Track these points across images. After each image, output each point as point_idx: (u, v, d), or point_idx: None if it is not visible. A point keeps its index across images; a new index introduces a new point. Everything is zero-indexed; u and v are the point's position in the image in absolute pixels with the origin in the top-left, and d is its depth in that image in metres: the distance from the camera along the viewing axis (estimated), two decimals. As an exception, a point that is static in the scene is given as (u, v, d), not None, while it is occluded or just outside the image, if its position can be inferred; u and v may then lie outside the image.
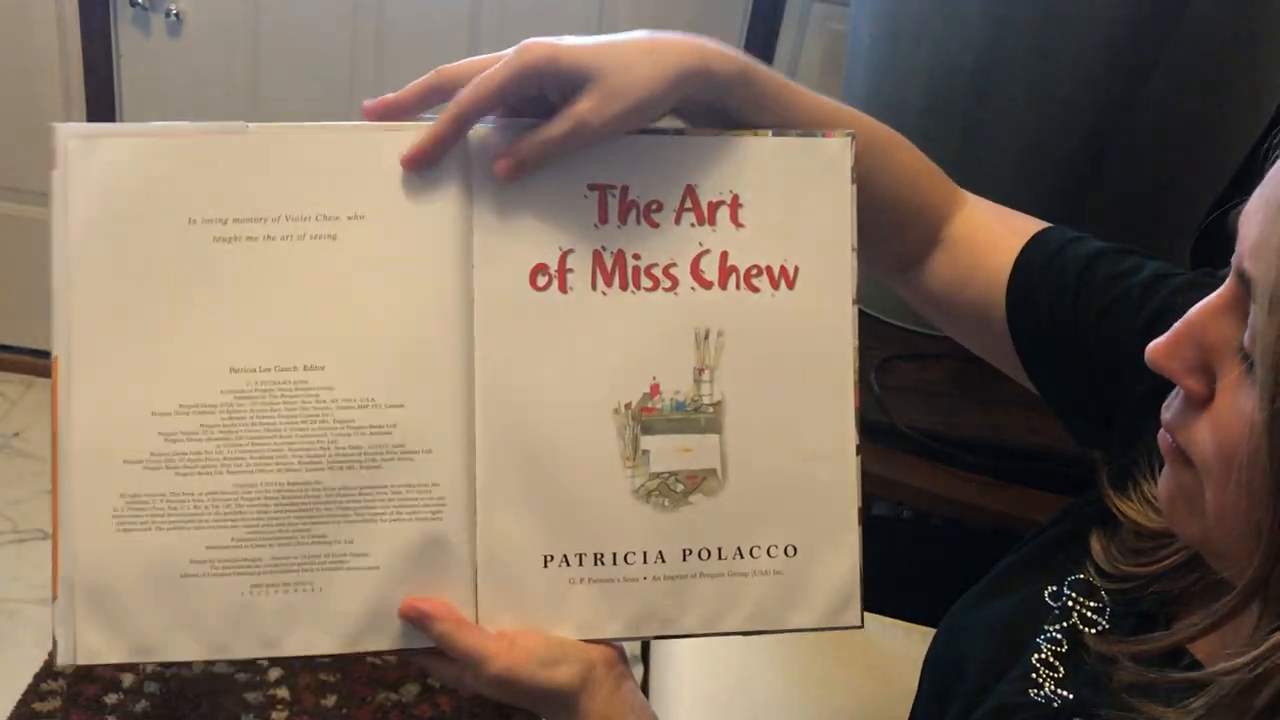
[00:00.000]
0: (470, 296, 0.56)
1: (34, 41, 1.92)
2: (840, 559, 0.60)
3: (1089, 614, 0.58)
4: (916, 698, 0.71)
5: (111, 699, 1.57)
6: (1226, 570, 0.46)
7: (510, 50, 0.54)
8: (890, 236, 0.68)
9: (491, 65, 0.54)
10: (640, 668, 1.49)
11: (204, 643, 0.56)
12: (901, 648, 1.13)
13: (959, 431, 1.25)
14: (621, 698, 0.57)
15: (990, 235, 0.69)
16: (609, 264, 0.57)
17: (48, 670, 1.59)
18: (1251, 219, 0.44)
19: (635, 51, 0.55)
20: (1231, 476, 0.43)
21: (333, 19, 1.88)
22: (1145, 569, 0.55)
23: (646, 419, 0.57)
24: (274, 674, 1.64)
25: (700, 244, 0.57)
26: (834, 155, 0.58)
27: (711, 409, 0.58)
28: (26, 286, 2.11)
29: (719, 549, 0.58)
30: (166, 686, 1.60)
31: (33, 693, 1.56)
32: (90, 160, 0.54)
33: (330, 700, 1.60)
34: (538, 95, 0.55)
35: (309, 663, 1.64)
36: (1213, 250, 1.02)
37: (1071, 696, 0.55)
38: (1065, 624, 0.58)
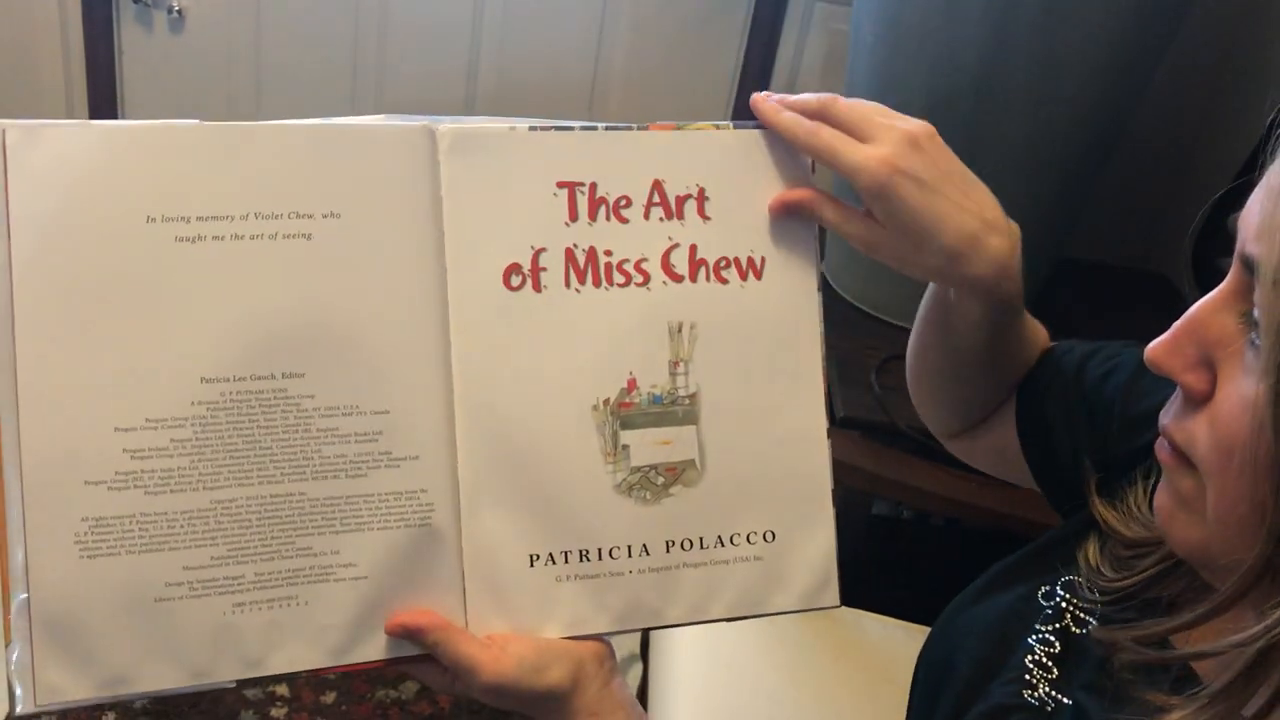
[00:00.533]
0: (445, 298, 0.55)
1: (36, 38, 1.92)
2: (817, 541, 0.61)
3: (1081, 615, 0.58)
4: (910, 696, 0.71)
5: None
6: (1219, 578, 0.46)
7: (899, 130, 0.57)
8: (989, 403, 0.73)
9: (868, 128, 0.57)
10: (640, 665, 1.49)
11: (182, 669, 0.53)
12: (901, 647, 1.13)
13: (959, 431, 1.25)
14: (610, 693, 0.58)
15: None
16: (581, 261, 0.57)
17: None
18: (1253, 208, 0.44)
19: (972, 250, 0.58)
20: (1232, 462, 0.43)
21: (335, 15, 1.88)
22: (1125, 581, 0.56)
23: (625, 414, 0.58)
24: (274, 671, 1.64)
25: (670, 238, 0.58)
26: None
27: (688, 400, 0.58)
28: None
29: (700, 538, 0.59)
30: (166, 683, 1.60)
31: (33, 688, 1.55)
32: (33, 154, 0.50)
33: (330, 697, 1.60)
34: None
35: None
36: (1213, 251, 1.02)
37: (1068, 701, 0.55)
38: (1058, 625, 0.58)
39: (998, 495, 1.20)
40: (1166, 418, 0.48)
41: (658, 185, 0.58)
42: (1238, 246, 0.45)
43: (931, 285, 0.66)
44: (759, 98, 0.60)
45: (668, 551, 0.59)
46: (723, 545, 0.60)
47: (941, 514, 1.54)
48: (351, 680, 1.64)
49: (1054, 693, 0.56)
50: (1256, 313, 0.43)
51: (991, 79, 1.24)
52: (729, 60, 1.90)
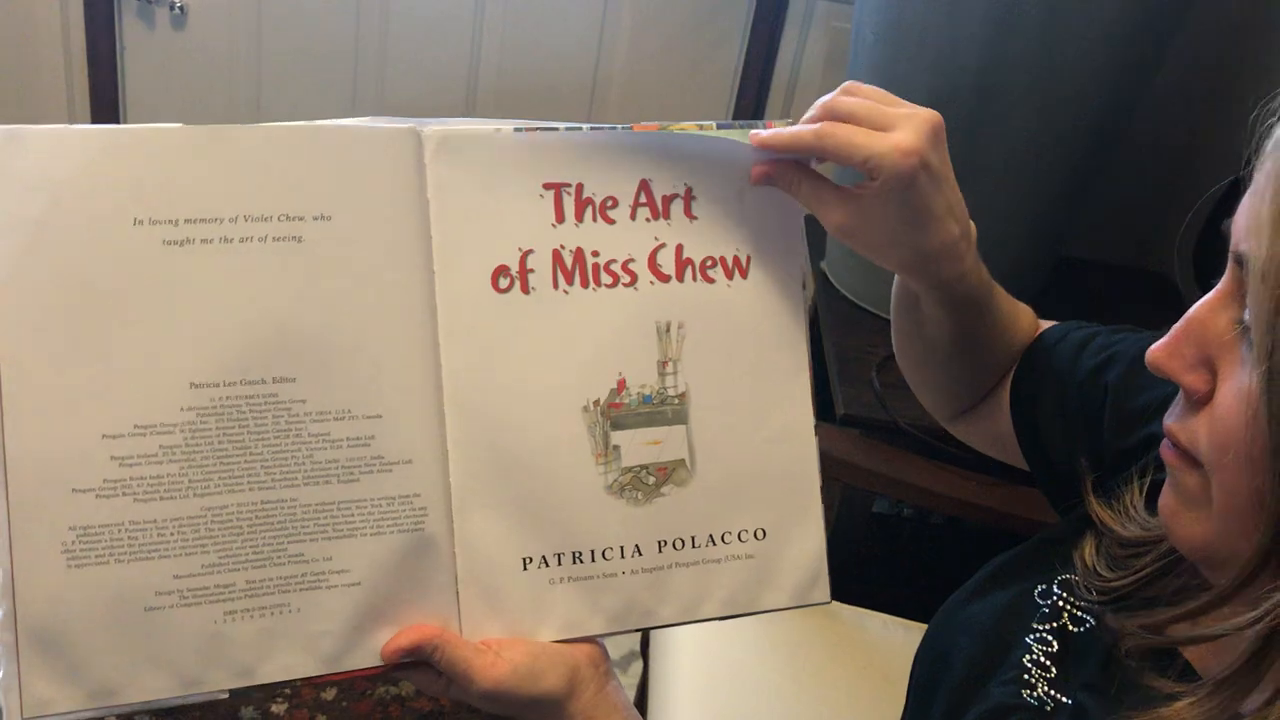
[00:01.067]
0: (433, 301, 0.55)
1: (37, 35, 1.92)
2: (807, 538, 0.61)
3: (1079, 614, 0.58)
4: (907, 693, 0.71)
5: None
6: (1222, 574, 0.47)
7: (905, 119, 0.55)
8: (977, 387, 0.73)
9: (878, 119, 0.55)
10: (640, 664, 1.49)
11: (173, 679, 0.52)
12: (901, 644, 1.13)
13: (959, 430, 1.25)
14: (606, 697, 0.58)
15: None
16: (569, 262, 0.57)
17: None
18: (1243, 208, 0.45)
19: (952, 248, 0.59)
20: (1229, 455, 0.43)
21: (337, 12, 1.88)
22: (1122, 580, 0.56)
23: (615, 414, 0.58)
24: (274, 667, 1.65)
25: (656, 238, 0.58)
26: None
27: (677, 400, 0.59)
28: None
29: (692, 538, 0.59)
30: (167, 679, 1.61)
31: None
32: (16, 158, 0.49)
33: (330, 694, 1.61)
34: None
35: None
36: (1213, 252, 1.03)
37: (1067, 700, 0.55)
38: (1055, 624, 0.58)
39: (998, 494, 1.20)
40: (1170, 419, 0.49)
41: (644, 185, 0.58)
42: (1231, 246, 0.45)
43: (898, 276, 0.66)
44: (756, 136, 0.58)
45: (660, 551, 0.59)
46: (714, 544, 0.60)
47: (941, 512, 1.55)
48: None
49: (1053, 692, 0.56)
50: (1246, 313, 0.43)
51: (992, 78, 1.24)
52: (730, 59, 1.90)
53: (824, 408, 1.09)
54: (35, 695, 0.50)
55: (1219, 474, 0.45)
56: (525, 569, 0.57)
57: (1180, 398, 0.48)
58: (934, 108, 0.56)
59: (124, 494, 0.50)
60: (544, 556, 0.57)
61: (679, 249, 0.59)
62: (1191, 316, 0.47)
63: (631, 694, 1.43)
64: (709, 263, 0.59)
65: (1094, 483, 0.61)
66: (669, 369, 0.59)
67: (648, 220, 0.58)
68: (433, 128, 0.55)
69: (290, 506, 0.53)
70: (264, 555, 0.53)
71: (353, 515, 0.54)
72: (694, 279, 0.59)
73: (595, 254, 0.58)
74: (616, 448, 0.58)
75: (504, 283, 0.56)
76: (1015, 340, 0.70)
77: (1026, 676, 0.57)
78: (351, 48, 1.91)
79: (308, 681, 0.54)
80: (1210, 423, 0.45)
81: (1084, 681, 0.55)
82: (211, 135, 0.52)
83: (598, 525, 0.58)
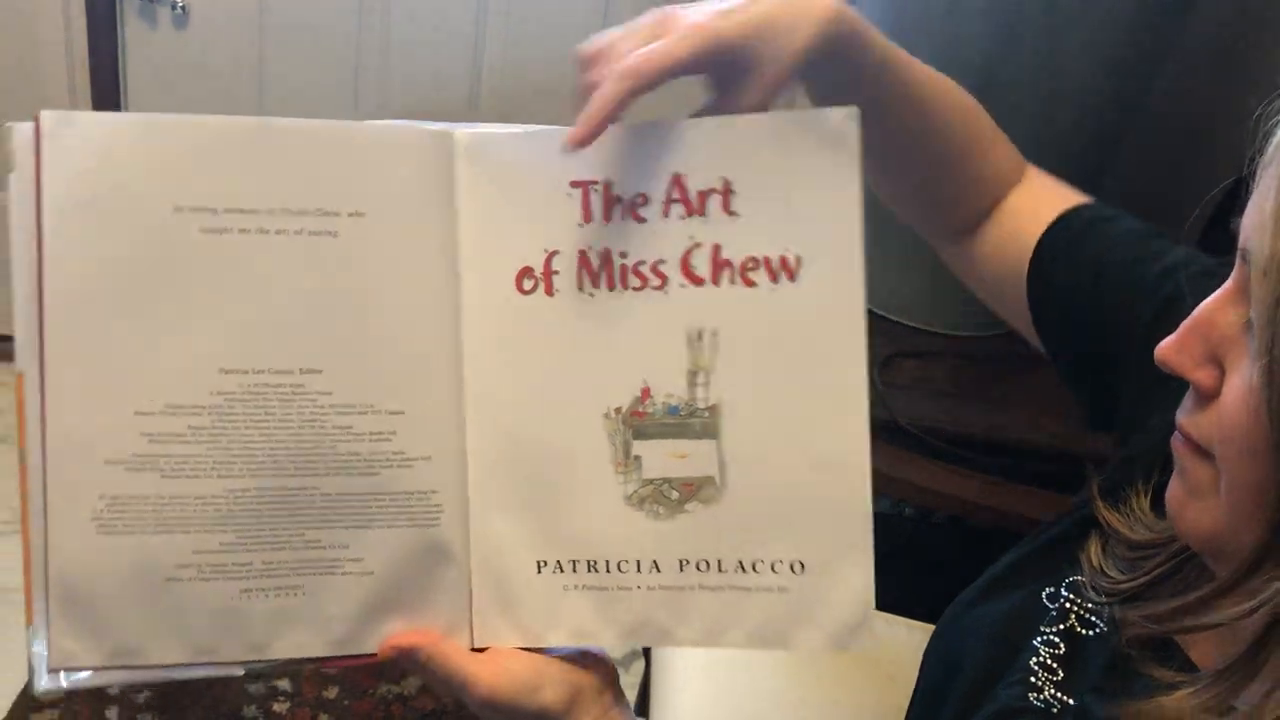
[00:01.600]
0: (458, 301, 0.55)
1: (39, 34, 1.92)
2: (853, 579, 0.55)
3: (1087, 616, 0.58)
4: (913, 696, 0.71)
5: (114, 688, 1.57)
6: (1228, 567, 0.47)
7: (648, 20, 0.53)
8: (949, 203, 0.69)
9: (638, 38, 0.53)
10: (642, 663, 1.49)
11: (188, 647, 0.54)
12: (903, 644, 1.13)
13: (961, 429, 1.25)
14: None
15: (1032, 209, 0.70)
16: (595, 264, 0.54)
17: (51, 661, 1.60)
18: (1249, 208, 0.45)
19: (784, 28, 0.53)
20: (1235, 448, 0.44)
21: (339, 11, 1.88)
22: (1131, 582, 0.56)
23: (638, 424, 0.55)
24: (276, 666, 1.65)
25: (691, 238, 0.54)
26: (837, 129, 0.53)
27: (707, 413, 0.55)
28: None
29: (719, 561, 0.55)
30: (169, 678, 1.61)
31: (36, 683, 1.56)
32: (67, 141, 0.51)
33: (332, 692, 1.61)
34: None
35: (311, 655, 1.64)
36: (1216, 251, 1.02)
37: (1073, 702, 0.55)
38: (1063, 626, 0.58)
39: (1000, 493, 1.21)
40: (1182, 414, 0.49)
41: (677, 180, 0.54)
42: (1239, 244, 0.46)
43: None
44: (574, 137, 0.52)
45: (681, 571, 0.56)
46: (744, 571, 0.56)
47: (943, 511, 1.55)
48: (354, 675, 1.64)
49: (1060, 694, 0.56)
50: (1250, 309, 0.44)
51: (995, 76, 1.24)
52: (732, 57, 1.90)
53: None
54: (61, 649, 0.53)
55: (1226, 467, 0.45)
56: (539, 572, 0.56)
57: (1190, 393, 0.49)
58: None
59: (152, 469, 0.52)
60: (559, 561, 0.56)
61: (715, 249, 0.54)
62: (1199, 313, 0.47)
63: (633, 694, 1.43)
64: (750, 264, 0.54)
65: (1119, 422, 0.61)
66: (700, 379, 0.55)
67: (682, 218, 0.54)
68: (465, 130, 0.55)
69: (310, 494, 0.54)
70: (282, 539, 0.54)
71: (369, 507, 0.55)
72: (731, 282, 0.54)
73: (623, 255, 0.54)
74: (638, 458, 0.55)
75: (528, 284, 0.55)
76: (967, 137, 0.66)
77: (1033, 679, 0.57)
78: (353, 47, 1.91)
79: (319, 663, 0.55)
80: (1218, 417, 0.46)
81: (1092, 685, 0.55)
82: (257, 127, 0.53)
83: (614, 536, 0.56)
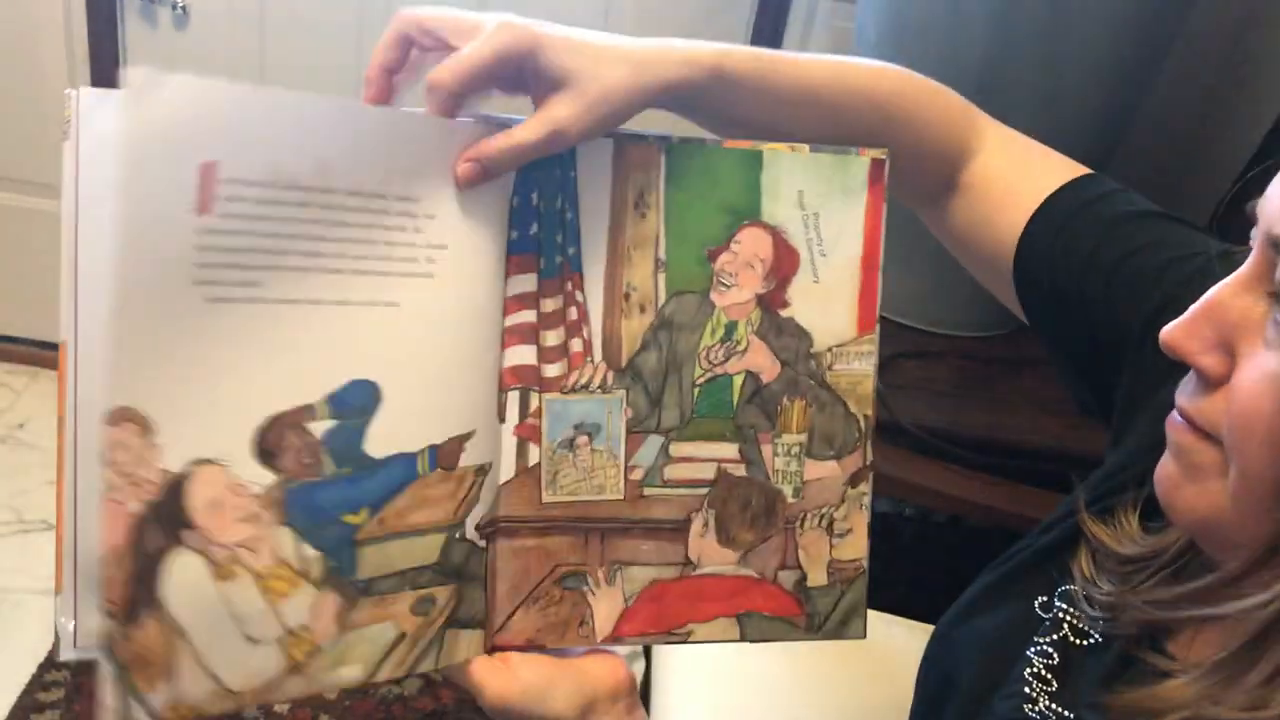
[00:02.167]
0: (501, 301, 0.55)
1: (39, 33, 1.92)
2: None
3: (1081, 625, 0.58)
4: (911, 711, 0.70)
5: (114, 690, 1.58)
6: (1229, 556, 0.46)
7: (486, 21, 0.53)
8: (899, 181, 0.67)
9: (463, 28, 0.54)
10: (642, 662, 1.49)
11: None
12: (903, 644, 1.13)
13: (962, 429, 1.25)
14: None
15: (1007, 188, 0.68)
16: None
17: (51, 661, 1.59)
18: (1274, 191, 0.44)
19: (616, 59, 0.54)
20: (1254, 439, 0.43)
21: (339, 10, 1.88)
22: (1121, 594, 0.55)
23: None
24: (276, 666, 1.65)
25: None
26: (854, 175, 0.57)
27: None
28: (31, 278, 2.11)
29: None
30: (169, 678, 1.61)
31: (36, 683, 1.56)
32: (105, 118, 0.50)
33: (332, 692, 1.61)
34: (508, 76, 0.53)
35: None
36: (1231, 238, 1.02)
37: (1069, 714, 0.55)
38: (1056, 636, 0.58)
39: (1001, 494, 1.20)
40: (1183, 398, 0.48)
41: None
42: (1262, 229, 0.45)
43: None
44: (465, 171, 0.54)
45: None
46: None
47: (944, 512, 1.55)
48: (354, 676, 1.64)
49: (1054, 705, 0.56)
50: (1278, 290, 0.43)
51: (995, 77, 1.24)
52: (733, 58, 1.90)
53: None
54: (87, 626, 0.53)
55: (1240, 457, 0.44)
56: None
57: (1192, 376, 0.48)
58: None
59: None
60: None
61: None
62: (1212, 299, 0.46)
63: (633, 693, 1.43)
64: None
65: (1087, 502, 0.60)
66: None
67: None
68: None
69: None
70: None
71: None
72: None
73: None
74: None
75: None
76: (881, 110, 0.63)
77: (1028, 690, 0.57)
78: (354, 46, 1.91)
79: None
80: (1231, 405, 0.44)
81: (1089, 701, 0.54)
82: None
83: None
